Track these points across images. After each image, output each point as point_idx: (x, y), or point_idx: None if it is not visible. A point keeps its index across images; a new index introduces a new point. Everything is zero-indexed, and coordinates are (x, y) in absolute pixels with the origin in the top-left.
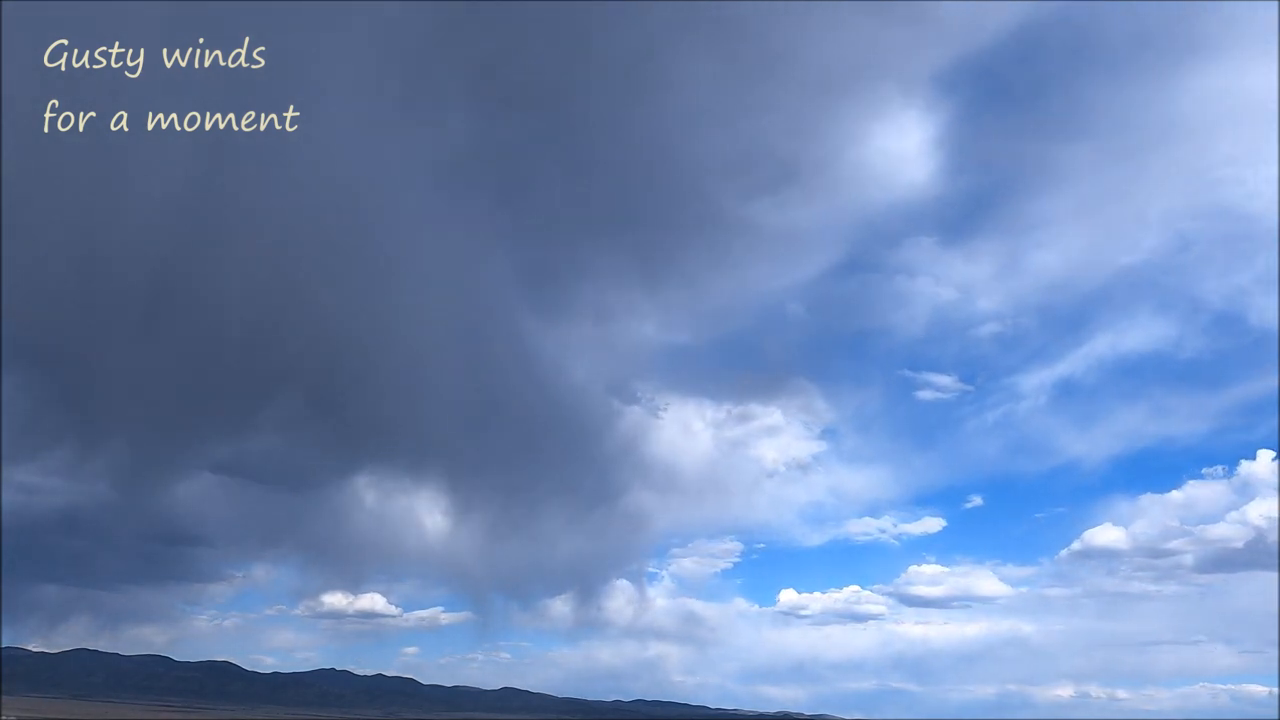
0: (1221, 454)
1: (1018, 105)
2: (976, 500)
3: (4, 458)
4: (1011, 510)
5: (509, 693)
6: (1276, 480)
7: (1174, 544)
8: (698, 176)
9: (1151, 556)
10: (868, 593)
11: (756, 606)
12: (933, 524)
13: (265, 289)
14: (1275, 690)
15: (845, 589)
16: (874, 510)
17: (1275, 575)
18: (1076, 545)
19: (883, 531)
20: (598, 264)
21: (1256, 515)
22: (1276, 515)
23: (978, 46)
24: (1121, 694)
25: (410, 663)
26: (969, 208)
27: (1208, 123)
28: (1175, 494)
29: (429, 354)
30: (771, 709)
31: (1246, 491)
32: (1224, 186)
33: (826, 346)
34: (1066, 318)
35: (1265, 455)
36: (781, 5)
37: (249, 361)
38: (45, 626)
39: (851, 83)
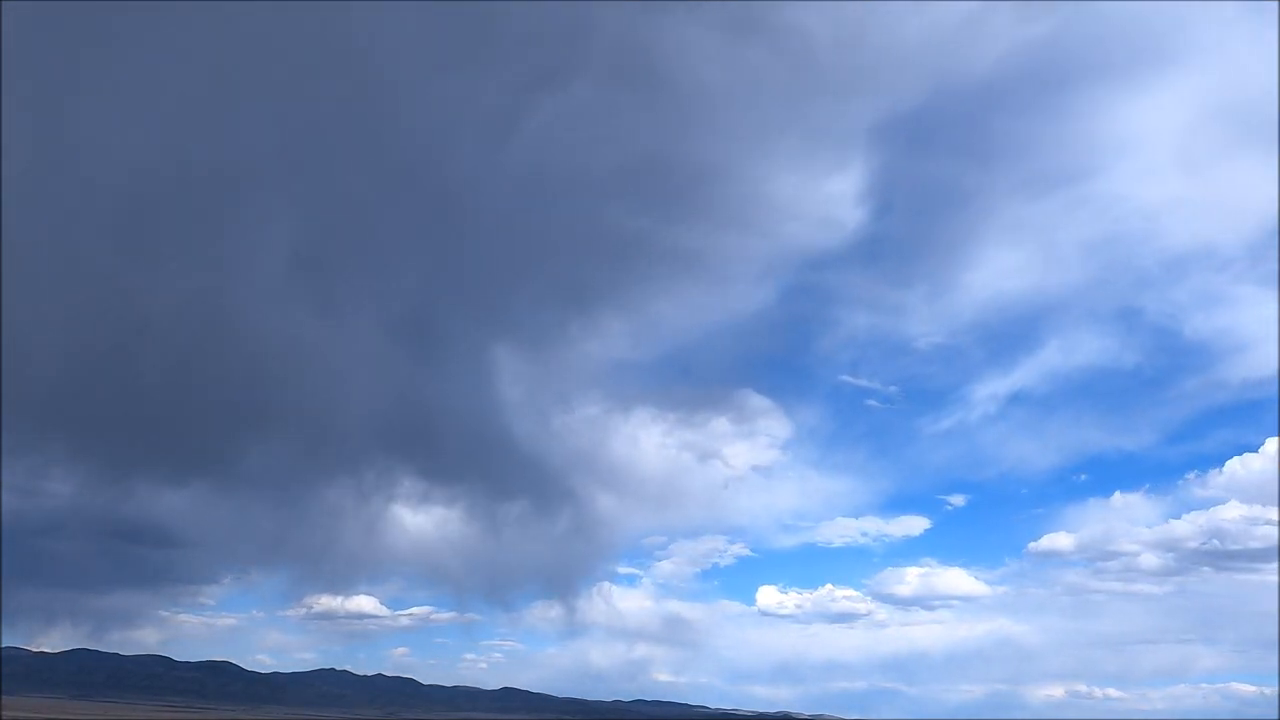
0: (1183, 460)
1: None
2: (958, 501)
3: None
4: (990, 512)
5: (509, 693)
6: (1246, 483)
7: (1148, 546)
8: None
9: (1123, 558)
10: (858, 594)
11: (746, 607)
12: (913, 525)
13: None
14: (1274, 689)
15: (839, 590)
16: (852, 513)
17: (1250, 575)
18: (1058, 545)
19: (864, 534)
20: (541, 289)
21: (1223, 518)
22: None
23: (904, 92)
24: (1114, 693)
25: (410, 663)
26: (901, 235)
27: (1114, 152)
28: (1149, 497)
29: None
30: (770, 709)
31: (1212, 497)
32: (1131, 210)
33: (776, 363)
34: (1007, 336)
35: (1232, 462)
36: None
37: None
38: (36, 630)
39: (786, 121)
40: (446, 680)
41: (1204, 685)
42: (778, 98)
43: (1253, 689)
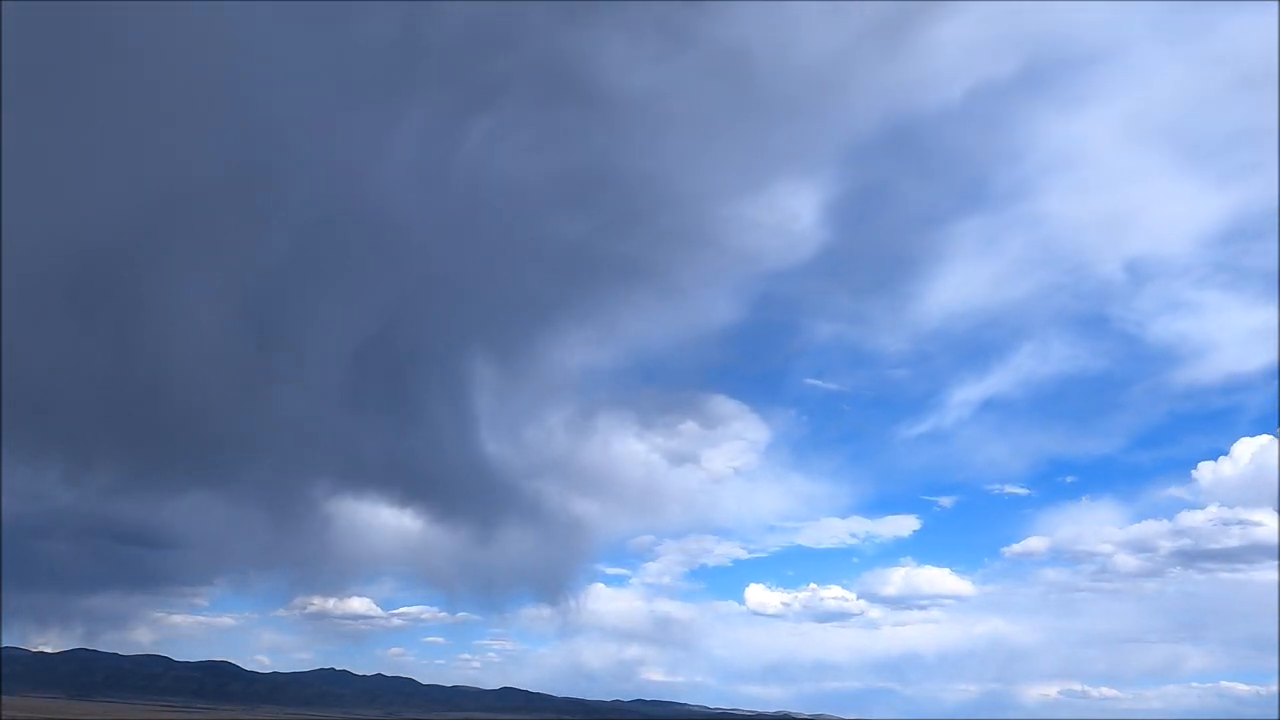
0: (1155, 463)
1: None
2: (946, 502)
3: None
4: (970, 515)
5: (508, 692)
6: (1219, 486)
7: (1125, 548)
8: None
9: (1100, 559)
10: (850, 594)
11: (737, 607)
12: (903, 526)
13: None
14: (1273, 689)
15: (830, 590)
16: (839, 513)
17: (1233, 575)
18: (1034, 548)
19: (853, 535)
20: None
21: (1202, 519)
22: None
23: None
24: (1110, 692)
25: (408, 662)
26: (865, 248)
27: (1065, 165)
28: (1125, 500)
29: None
30: (766, 709)
31: (1189, 499)
32: (1086, 221)
33: (752, 371)
34: (977, 344)
35: (1205, 464)
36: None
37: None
38: (29, 631)
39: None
40: (445, 680)
41: (1195, 685)
42: (743, 120)
43: (1246, 688)
